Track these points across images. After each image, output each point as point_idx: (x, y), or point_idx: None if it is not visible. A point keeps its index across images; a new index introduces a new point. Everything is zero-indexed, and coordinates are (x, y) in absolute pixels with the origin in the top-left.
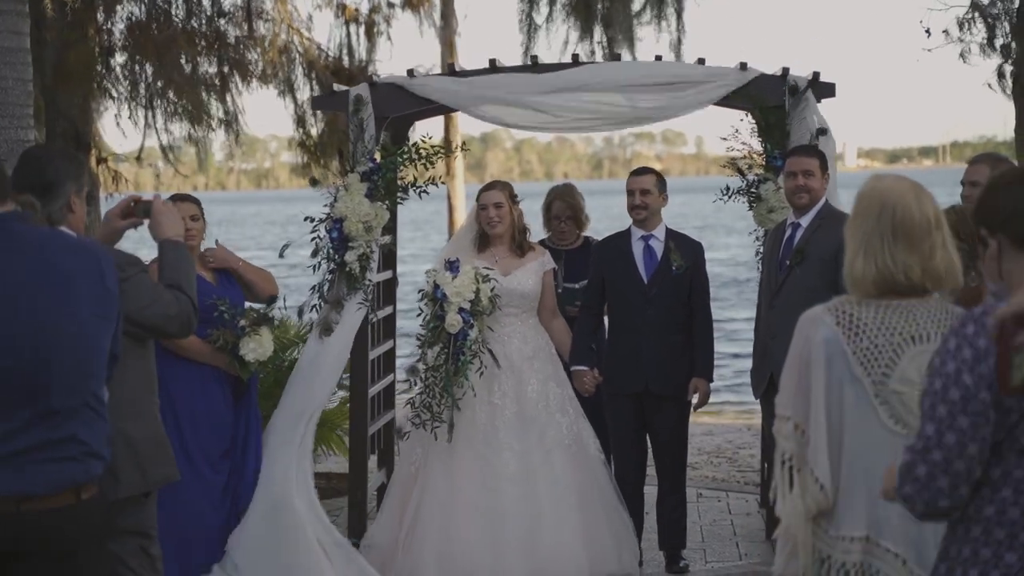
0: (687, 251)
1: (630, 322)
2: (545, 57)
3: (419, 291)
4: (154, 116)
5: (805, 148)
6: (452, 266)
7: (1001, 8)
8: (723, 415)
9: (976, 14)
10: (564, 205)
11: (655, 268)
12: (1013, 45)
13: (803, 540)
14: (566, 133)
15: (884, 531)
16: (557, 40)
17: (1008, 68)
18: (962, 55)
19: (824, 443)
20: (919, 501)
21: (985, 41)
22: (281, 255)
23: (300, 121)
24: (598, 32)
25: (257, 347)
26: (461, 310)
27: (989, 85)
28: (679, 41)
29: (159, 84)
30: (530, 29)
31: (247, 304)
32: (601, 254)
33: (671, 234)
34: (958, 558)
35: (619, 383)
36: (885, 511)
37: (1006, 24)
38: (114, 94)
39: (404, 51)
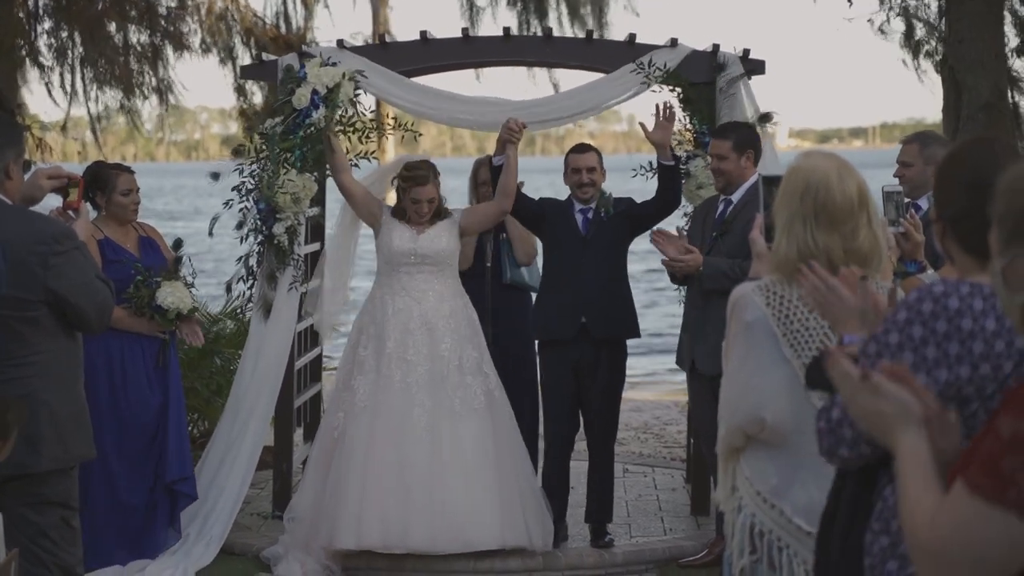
0: (618, 202)
1: (568, 266)
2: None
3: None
4: (77, 85)
5: (716, 131)
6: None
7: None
8: (650, 391)
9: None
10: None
11: (591, 220)
12: (935, 33)
13: (722, 469)
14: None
15: (802, 510)
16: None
17: (926, 47)
18: (881, 29)
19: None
20: (824, 442)
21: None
22: (210, 233)
23: (240, 90)
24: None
25: (174, 291)
26: (315, 92)
27: (904, 62)
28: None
29: (88, 53)
30: (472, 13)
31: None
32: (544, 202)
33: None
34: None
35: (555, 329)
36: (807, 491)
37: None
38: (41, 62)
39: (342, 19)
